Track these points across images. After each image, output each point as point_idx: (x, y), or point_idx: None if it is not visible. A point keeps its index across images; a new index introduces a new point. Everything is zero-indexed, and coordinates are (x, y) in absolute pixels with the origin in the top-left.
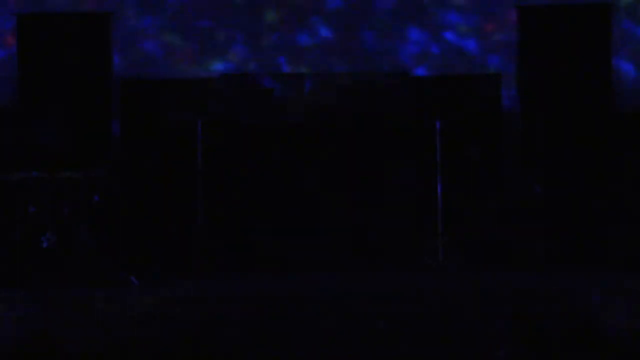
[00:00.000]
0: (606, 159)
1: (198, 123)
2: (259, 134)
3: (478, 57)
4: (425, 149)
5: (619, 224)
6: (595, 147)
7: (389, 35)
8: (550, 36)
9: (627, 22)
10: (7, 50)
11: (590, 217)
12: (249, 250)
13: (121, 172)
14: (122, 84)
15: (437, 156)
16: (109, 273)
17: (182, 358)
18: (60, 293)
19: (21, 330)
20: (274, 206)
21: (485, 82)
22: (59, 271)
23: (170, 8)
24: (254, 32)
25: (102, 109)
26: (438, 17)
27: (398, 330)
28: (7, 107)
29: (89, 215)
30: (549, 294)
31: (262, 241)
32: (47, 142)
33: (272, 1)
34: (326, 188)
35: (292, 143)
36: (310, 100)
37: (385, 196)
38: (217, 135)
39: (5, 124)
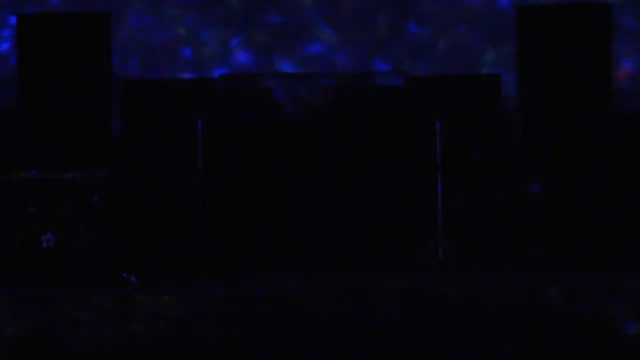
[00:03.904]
0: (606, 158)
1: (198, 123)
2: (259, 134)
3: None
4: (425, 149)
5: (619, 223)
6: (595, 147)
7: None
8: (550, 36)
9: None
10: None
11: (590, 216)
12: (249, 250)
13: (121, 172)
14: (122, 84)
15: (437, 156)
16: (109, 273)
17: (183, 358)
18: (59, 293)
19: (21, 330)
20: (274, 206)
21: (485, 82)
22: (59, 271)
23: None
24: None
25: (103, 109)
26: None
27: (398, 329)
28: (7, 107)
29: (89, 215)
30: (548, 293)
31: (262, 241)
32: (47, 142)
33: None
34: (326, 188)
35: (292, 143)
36: (310, 100)
37: (385, 196)
38: (217, 135)
39: (5, 124)
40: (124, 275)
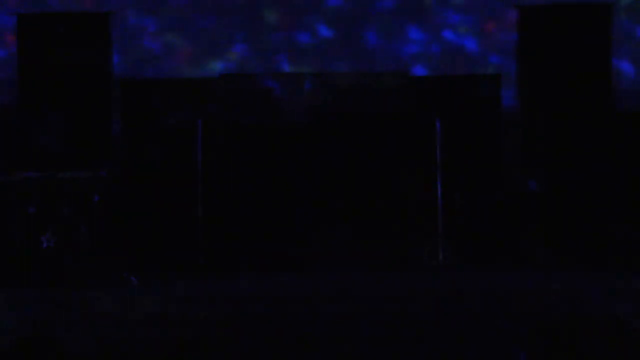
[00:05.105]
0: (606, 158)
1: (198, 123)
2: (259, 134)
3: (478, 57)
4: (425, 149)
5: (619, 223)
6: (594, 147)
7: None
8: (550, 36)
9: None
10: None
11: (589, 216)
12: (248, 250)
13: (121, 172)
14: (121, 84)
15: (437, 156)
16: (109, 273)
17: (182, 358)
18: (60, 293)
19: (21, 330)
20: (273, 206)
21: (485, 82)
22: (59, 271)
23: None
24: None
25: (102, 109)
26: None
27: (398, 330)
28: (7, 107)
29: (89, 215)
30: (548, 293)
31: (261, 241)
32: (47, 142)
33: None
34: (326, 188)
35: (292, 143)
36: (310, 100)
37: (385, 196)
38: (217, 135)
39: (5, 124)
40: (124, 275)
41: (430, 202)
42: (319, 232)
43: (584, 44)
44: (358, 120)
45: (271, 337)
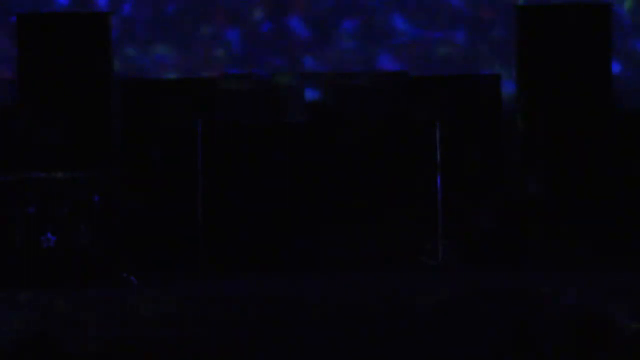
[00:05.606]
0: (606, 158)
1: (198, 123)
2: (259, 134)
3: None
4: (425, 149)
5: (619, 223)
6: (595, 147)
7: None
8: (550, 36)
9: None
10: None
11: (590, 216)
12: (249, 250)
13: (121, 172)
14: (122, 84)
15: (437, 156)
16: (109, 273)
17: (182, 358)
18: (60, 293)
19: (21, 331)
20: (273, 206)
21: (485, 82)
22: (58, 271)
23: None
24: None
25: (102, 109)
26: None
27: (397, 330)
28: (7, 107)
29: (89, 215)
30: (548, 293)
31: (262, 241)
32: (46, 142)
33: None
34: (326, 188)
35: (292, 143)
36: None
37: (384, 196)
38: (217, 135)
39: (5, 124)
40: (124, 275)
41: (430, 202)
42: (319, 233)
43: (584, 44)
44: (358, 120)
45: (271, 337)
